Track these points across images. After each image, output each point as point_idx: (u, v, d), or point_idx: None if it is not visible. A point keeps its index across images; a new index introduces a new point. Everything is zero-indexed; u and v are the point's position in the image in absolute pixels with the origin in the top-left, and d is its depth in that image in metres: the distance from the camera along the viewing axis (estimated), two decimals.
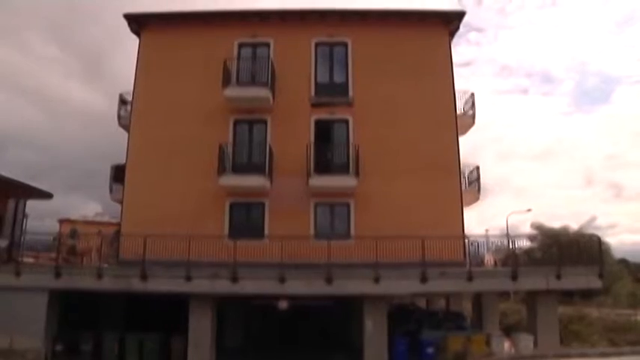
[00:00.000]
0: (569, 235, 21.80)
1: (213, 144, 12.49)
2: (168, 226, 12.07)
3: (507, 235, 14.12)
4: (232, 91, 12.78)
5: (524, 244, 13.37)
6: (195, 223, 12.21)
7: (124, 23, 14.18)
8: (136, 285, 10.92)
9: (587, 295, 17.94)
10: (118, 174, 14.07)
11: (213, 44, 13.84)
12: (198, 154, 12.93)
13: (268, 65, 13.06)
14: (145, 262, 10.99)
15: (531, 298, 11.87)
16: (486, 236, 15.77)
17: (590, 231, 20.16)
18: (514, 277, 11.14)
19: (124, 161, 13.41)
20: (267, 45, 13.92)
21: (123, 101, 14.83)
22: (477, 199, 14.54)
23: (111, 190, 14.67)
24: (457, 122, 13.49)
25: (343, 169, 12.69)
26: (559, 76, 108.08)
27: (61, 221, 34.19)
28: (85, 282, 11.07)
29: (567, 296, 17.01)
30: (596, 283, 11.47)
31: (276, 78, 13.32)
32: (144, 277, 10.84)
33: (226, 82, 12.74)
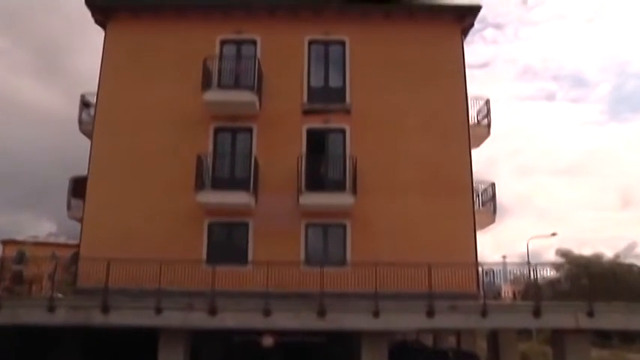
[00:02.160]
0: (603, 264, 22.28)
1: (190, 155, 12.92)
2: (136, 250, 12.35)
3: (528, 264, 14.20)
4: (213, 95, 13.24)
5: (549, 273, 13.58)
6: (167, 246, 12.55)
7: (87, 12, 14.64)
8: (97, 318, 11.08)
9: (628, 337, 18.00)
10: (78, 188, 14.43)
11: (191, 40, 14.39)
12: (173, 166, 13.36)
13: (255, 66, 13.56)
14: (108, 291, 11.20)
15: (558, 338, 12.07)
16: (504, 264, 16.27)
17: (629, 260, 20.69)
18: (537, 313, 11.34)
19: (86, 173, 13.71)
20: (254, 42, 14.48)
21: (85, 103, 15.27)
22: (492, 221, 15.10)
23: (69, 207, 15.02)
24: (470, 133, 14.03)
25: (339, 186, 13.12)
26: (592, 78, 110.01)
27: (5, 242, 34.14)
28: (33, 316, 11.14)
29: (604, 338, 17.16)
30: (638, 323, 11.63)
31: (263, 80, 13.82)
32: (106, 308, 11.03)
33: (206, 84, 13.20)
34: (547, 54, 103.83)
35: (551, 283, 16.49)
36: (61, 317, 11.20)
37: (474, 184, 14.19)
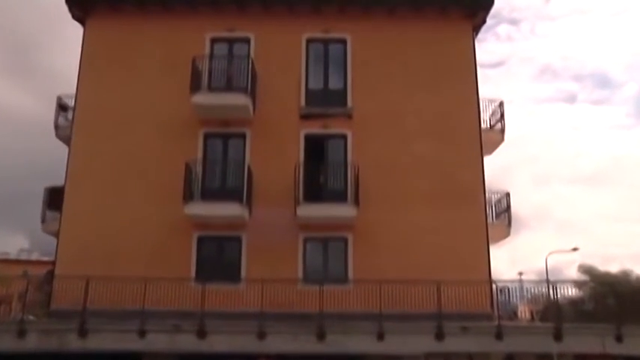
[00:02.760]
0: (631, 282, 22.43)
1: (177, 163, 13.21)
2: (118, 267, 12.71)
3: (547, 281, 14.68)
4: (202, 98, 13.59)
5: (571, 292, 13.83)
6: (152, 263, 12.86)
7: (64, 7, 14.96)
8: (73, 343, 11.22)
9: None
10: (54, 199, 14.67)
11: (179, 38, 14.78)
12: (159, 175, 13.69)
13: (248, 66, 13.93)
14: (86, 313, 11.41)
15: None
16: (520, 281, 16.56)
17: None
18: (558, 336, 11.50)
19: (62, 183, 13.97)
20: (247, 41, 14.87)
21: (62, 107, 15.60)
22: (507, 234, 15.36)
23: (43, 220, 15.21)
24: (482, 138, 14.38)
25: (339, 196, 13.44)
26: (617, 78, 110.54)
27: None
28: (1, 341, 11.23)
29: None
30: None
31: (257, 82, 14.19)
32: (83, 332, 11.19)
33: (195, 86, 13.55)
34: (567, 52, 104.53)
35: (574, 302, 16.70)
36: (33, 343, 11.32)
37: (487, 195, 14.52)
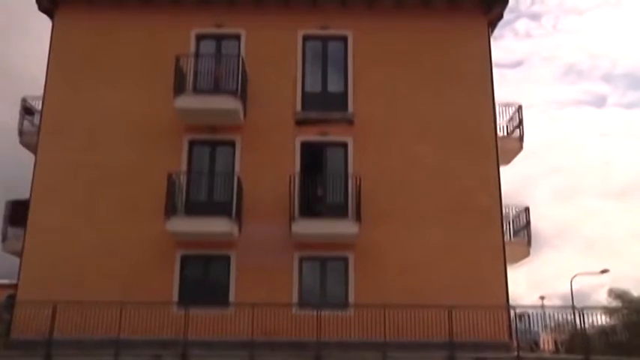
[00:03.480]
0: None
1: (159, 174, 13.47)
2: (90, 290, 12.95)
3: (573, 307, 14.86)
4: (187, 101, 13.92)
5: (600, 320, 14.00)
6: (130, 285, 13.15)
7: None
8: None
9: None
10: (17, 214, 14.99)
11: (160, 34, 15.20)
12: (137, 188, 13.99)
13: (238, 66, 14.23)
14: (53, 343, 11.62)
15: None
16: (542, 307, 16.88)
17: None
18: None
19: (27, 195, 14.21)
20: (237, 37, 15.32)
21: (27, 110, 15.99)
22: (526, 254, 15.77)
23: (4, 237, 15.52)
24: (498, 147, 14.75)
25: (340, 211, 13.76)
26: None
27: None
28: None
29: None
30: None
31: (248, 84, 14.56)
32: None
33: (179, 88, 13.88)
34: (595, 49, 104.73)
35: (604, 332, 16.85)
36: None
37: (504, 210, 14.88)
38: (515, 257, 15.49)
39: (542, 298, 34.90)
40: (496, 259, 13.89)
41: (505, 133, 15.87)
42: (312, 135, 14.65)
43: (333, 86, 15.24)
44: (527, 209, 15.94)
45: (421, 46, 15.43)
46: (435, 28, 15.54)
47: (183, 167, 14.28)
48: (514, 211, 16.00)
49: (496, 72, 15.43)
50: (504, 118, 16.04)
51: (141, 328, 12.08)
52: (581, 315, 12.81)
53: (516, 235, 15.77)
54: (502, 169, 14.97)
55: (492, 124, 14.95)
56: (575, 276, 31.46)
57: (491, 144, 14.73)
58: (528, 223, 15.75)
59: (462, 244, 13.88)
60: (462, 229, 13.97)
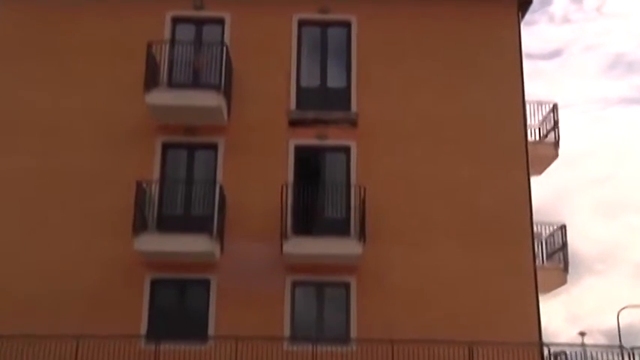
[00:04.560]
0: None
1: (126, 182, 13.71)
2: (42, 321, 13.12)
3: (620, 346, 15.04)
4: (161, 97, 14.23)
5: None
6: (89, 316, 13.43)
7: None
8: None
9: None
10: None
11: (129, 18, 15.56)
12: (100, 199, 14.29)
13: (222, 55, 14.50)
14: None
15: None
16: (582, 345, 16.95)
17: None
18: None
19: None
20: (221, 22, 15.70)
21: None
22: (562, 281, 16.12)
23: None
24: (529, 154, 15.08)
25: (340, 228, 14.14)
26: None
27: None
28: None
29: None
30: None
31: (234, 77, 14.90)
32: None
33: (151, 81, 14.15)
34: None
35: None
36: None
37: (536, 228, 15.25)
38: (549, 285, 15.81)
39: (582, 334, 35.03)
40: (526, 287, 14.13)
41: (537, 138, 16.26)
42: (308, 138, 14.97)
43: (334, 81, 15.63)
44: (563, 227, 16.26)
45: (437, 33, 15.81)
46: (453, 12, 15.91)
47: (156, 175, 14.57)
48: (548, 229, 16.38)
49: (527, 64, 16.04)
50: (536, 120, 16.41)
51: None
52: (631, 356, 13.00)
53: (550, 258, 16.18)
54: (533, 179, 15.35)
55: (522, 127, 15.30)
56: (622, 309, 31.83)
57: (520, 150, 15.04)
58: (565, 244, 16.06)
59: (485, 269, 14.12)
60: (486, 251, 14.24)
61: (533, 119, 16.33)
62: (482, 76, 15.57)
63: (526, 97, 15.72)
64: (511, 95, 15.49)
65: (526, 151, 15.15)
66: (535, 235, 15.08)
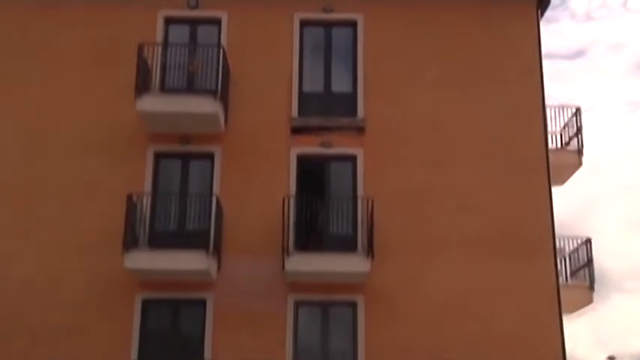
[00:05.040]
0: None
1: (115, 195, 13.92)
2: (21, 345, 13.41)
3: None
4: (153, 103, 14.33)
5: None
6: (74, 339, 13.61)
7: None
8: None
9: None
10: None
11: (119, 18, 15.72)
12: (87, 213, 14.48)
13: (218, 58, 14.61)
14: None
15: None
16: None
17: None
18: None
19: None
20: (217, 22, 15.89)
21: None
22: (588, 299, 16.15)
23: None
24: (550, 161, 15.20)
25: (347, 244, 14.26)
26: None
27: None
28: None
29: None
30: None
31: (231, 81, 15.07)
32: None
33: (142, 86, 14.24)
34: None
35: None
36: None
37: (559, 242, 15.34)
38: (574, 304, 15.90)
39: (611, 358, 35.26)
40: (548, 307, 14.23)
41: (559, 145, 16.45)
42: (311, 146, 15.13)
43: (339, 85, 15.83)
44: (588, 242, 16.36)
45: (450, 33, 15.99)
46: (467, 10, 16.10)
47: (147, 187, 14.72)
48: (571, 244, 16.48)
49: (548, 65, 16.05)
50: (558, 125, 16.60)
51: None
52: None
53: (575, 275, 16.29)
54: (555, 190, 15.49)
55: (542, 133, 15.46)
56: None
57: (540, 158, 15.19)
58: (590, 259, 16.16)
59: (504, 287, 14.27)
60: (504, 268, 14.38)
61: (555, 125, 16.51)
62: (500, 79, 15.72)
63: (547, 101, 15.84)
64: (530, 99, 15.63)
65: (547, 159, 15.26)
66: (558, 251, 15.16)
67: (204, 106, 14.46)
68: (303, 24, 16.08)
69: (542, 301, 14.35)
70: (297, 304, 14.35)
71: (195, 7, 15.89)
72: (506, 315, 14.13)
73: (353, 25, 16.07)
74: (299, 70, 15.77)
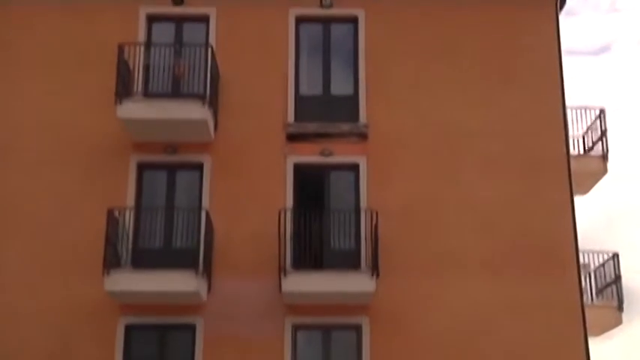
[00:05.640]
0: None
1: (94, 210, 14.22)
2: None
3: None
4: (135, 109, 14.43)
5: None
6: None
7: None
8: None
9: None
10: None
11: (96, 16, 15.92)
12: (63, 230, 14.62)
13: (207, 59, 14.73)
14: None
15: None
16: None
17: None
18: None
19: None
20: (205, 19, 16.10)
21: None
22: (616, 321, 16.34)
23: None
24: (571, 169, 15.36)
25: (349, 261, 14.54)
26: None
27: None
28: None
29: None
30: None
31: (221, 85, 15.31)
32: None
33: (123, 91, 14.37)
34: None
35: None
36: None
37: (583, 257, 15.50)
38: (601, 326, 16.07)
39: None
40: (572, 329, 14.37)
41: (582, 150, 16.64)
42: (310, 154, 15.33)
43: (339, 87, 16.03)
44: (615, 257, 16.58)
45: (460, 29, 16.18)
46: (479, 4, 16.26)
47: (130, 201, 14.89)
48: (597, 259, 16.68)
49: (568, 62, 15.83)
50: (580, 129, 16.80)
51: None
52: None
53: (601, 294, 16.45)
54: (578, 199, 15.64)
55: (563, 138, 15.61)
56: None
57: (561, 165, 15.36)
58: (618, 276, 16.38)
59: (522, 308, 14.38)
60: (522, 286, 14.49)
61: (577, 128, 16.72)
62: (515, 79, 15.90)
63: (567, 102, 15.96)
64: (549, 100, 15.82)
65: (568, 166, 15.43)
66: (582, 267, 15.23)
67: (192, 111, 14.54)
68: (300, 20, 16.30)
69: (565, 322, 14.46)
70: (296, 328, 14.46)
71: (181, 3, 16.05)
72: (526, 338, 14.28)
73: (354, 21, 16.28)
74: (295, 71, 15.98)
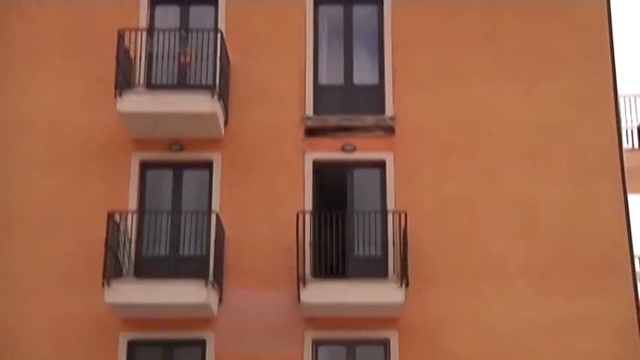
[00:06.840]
0: None
1: (93, 214, 14.74)
2: None
3: None
4: (137, 102, 14.69)
5: None
6: None
7: None
8: None
9: None
10: None
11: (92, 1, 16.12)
12: (60, 236, 15.05)
13: (215, 46, 14.99)
14: None
15: None
16: None
17: None
18: None
19: None
20: (213, 2, 16.45)
21: None
22: None
23: None
24: (624, 164, 15.54)
25: (375, 269, 14.85)
26: None
27: None
28: None
29: None
30: None
31: (231, 75, 15.65)
32: None
33: (123, 82, 14.67)
34: None
35: None
36: None
37: (638, 264, 15.66)
38: None
39: None
40: (627, 350, 14.53)
41: (636, 144, 16.94)
42: (330, 150, 15.69)
43: (363, 76, 16.35)
44: None
45: (499, 12, 16.47)
46: None
47: (132, 204, 15.28)
48: None
49: (620, 46, 16.04)
50: (635, 120, 17.12)
51: None
52: None
53: None
54: (632, 199, 15.80)
55: (614, 130, 15.87)
56: None
57: (613, 161, 15.63)
58: None
59: (570, 324, 14.63)
60: (570, 300, 14.76)
61: (630, 119, 17.05)
62: (561, 66, 16.16)
63: (619, 90, 16.16)
64: (600, 89, 16.08)
65: (621, 161, 15.64)
66: (638, 275, 15.39)
67: (200, 104, 14.82)
68: (318, 2, 16.62)
69: (618, 342, 14.66)
70: (316, 344, 14.77)
71: None
72: (575, 354, 14.52)
73: (379, 2, 16.58)
74: (313, 58, 16.33)
